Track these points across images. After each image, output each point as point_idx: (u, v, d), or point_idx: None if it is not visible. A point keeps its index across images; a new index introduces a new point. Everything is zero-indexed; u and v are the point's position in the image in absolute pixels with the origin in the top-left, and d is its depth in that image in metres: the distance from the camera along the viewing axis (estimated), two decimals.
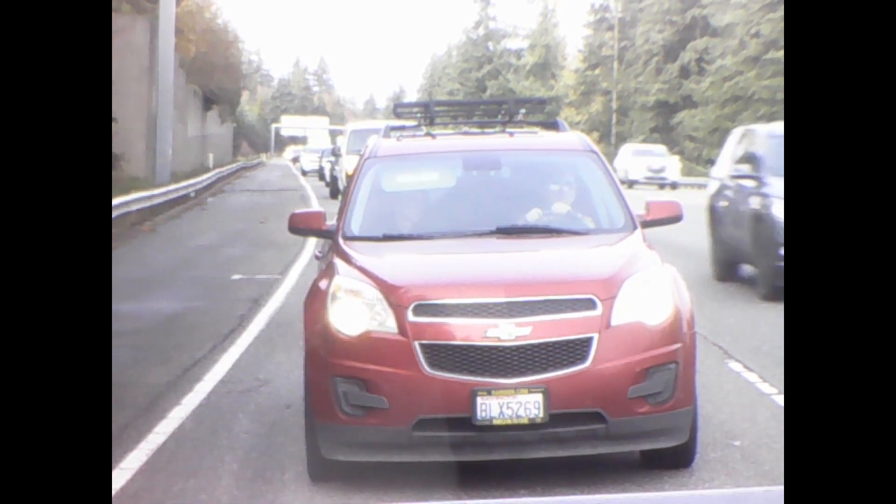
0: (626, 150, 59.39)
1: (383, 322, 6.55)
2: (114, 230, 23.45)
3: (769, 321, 12.36)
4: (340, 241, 7.47)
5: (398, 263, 7.09)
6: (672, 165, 56.22)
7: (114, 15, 35.19)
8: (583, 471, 6.89)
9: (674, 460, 6.91)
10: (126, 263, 19.31)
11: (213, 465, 7.26)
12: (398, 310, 6.53)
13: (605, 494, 5.83)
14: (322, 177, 53.18)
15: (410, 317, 6.51)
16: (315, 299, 6.94)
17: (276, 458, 7.36)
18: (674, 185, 53.71)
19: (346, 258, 7.13)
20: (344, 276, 6.87)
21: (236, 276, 17.54)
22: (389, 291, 6.60)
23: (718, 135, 68.68)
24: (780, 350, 10.55)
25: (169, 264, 19.68)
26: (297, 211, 8.14)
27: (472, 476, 6.75)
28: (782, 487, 2.72)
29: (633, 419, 6.52)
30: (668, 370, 6.60)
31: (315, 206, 32.66)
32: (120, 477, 7.02)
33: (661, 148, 60.65)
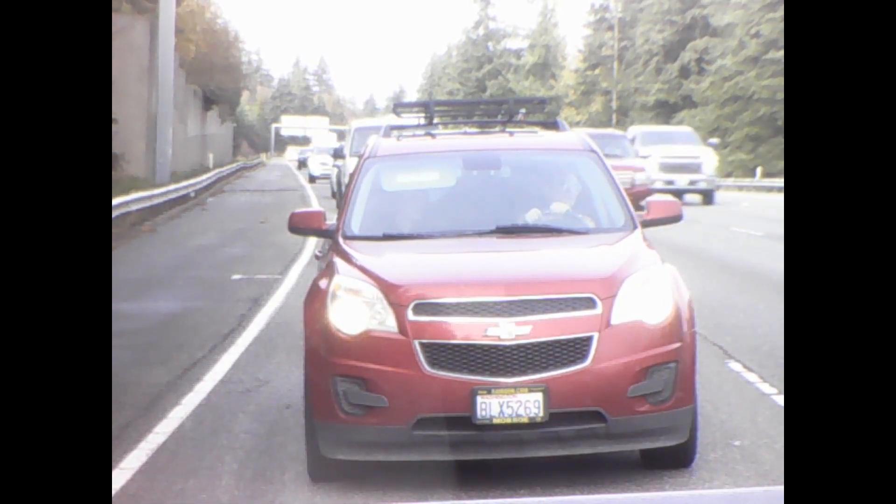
0: (634, 135, 37.29)
1: (383, 321, 6.55)
2: (114, 230, 23.45)
3: (769, 321, 12.36)
4: (340, 240, 7.47)
5: (398, 262, 7.09)
6: (707, 158, 35.40)
7: (114, 15, 35.19)
8: (583, 470, 6.88)
9: (674, 460, 6.91)
10: (126, 263, 19.31)
11: (214, 464, 7.26)
12: (398, 309, 6.53)
13: (605, 494, 5.84)
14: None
15: (410, 316, 6.50)
16: (315, 299, 6.94)
17: (276, 458, 7.36)
18: (706, 194, 34.68)
19: (346, 257, 7.13)
20: (344, 275, 6.86)
21: (236, 276, 17.54)
22: (389, 290, 6.60)
23: (718, 134, 68.75)
24: (780, 350, 10.55)
25: (169, 264, 19.67)
26: (298, 210, 8.14)
27: (472, 476, 6.75)
28: (782, 487, 2.72)
29: (633, 418, 6.51)
30: (668, 369, 6.60)
31: (315, 205, 32.66)
32: (120, 477, 7.02)
33: (686, 131, 39.76)
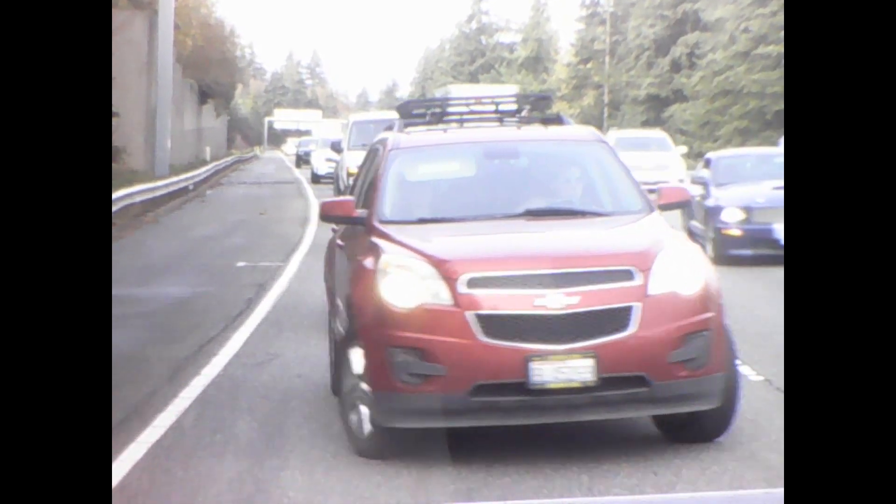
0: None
1: (437, 294, 6.87)
2: (119, 221, 24.08)
3: (761, 313, 12.74)
4: (377, 223, 7.74)
5: (445, 241, 7.45)
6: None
7: (113, 11, 35.59)
8: (576, 445, 7.29)
9: (709, 427, 7.21)
10: (135, 252, 20.03)
11: (236, 422, 8.01)
12: (450, 283, 6.86)
13: (607, 496, 6.31)
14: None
15: (463, 289, 6.86)
16: (361, 278, 7.26)
17: (291, 417, 8.14)
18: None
19: (388, 238, 7.45)
20: (391, 253, 7.20)
21: (241, 264, 18.15)
22: (441, 265, 6.94)
23: (709, 128, 69.24)
24: (771, 338, 11.03)
25: (175, 253, 20.26)
26: (327, 200, 8.62)
27: (472, 461, 7.26)
28: (782, 489, 2.80)
29: (673, 383, 6.86)
30: (702, 337, 6.96)
31: (312, 199, 33.08)
32: (154, 433, 7.77)
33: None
